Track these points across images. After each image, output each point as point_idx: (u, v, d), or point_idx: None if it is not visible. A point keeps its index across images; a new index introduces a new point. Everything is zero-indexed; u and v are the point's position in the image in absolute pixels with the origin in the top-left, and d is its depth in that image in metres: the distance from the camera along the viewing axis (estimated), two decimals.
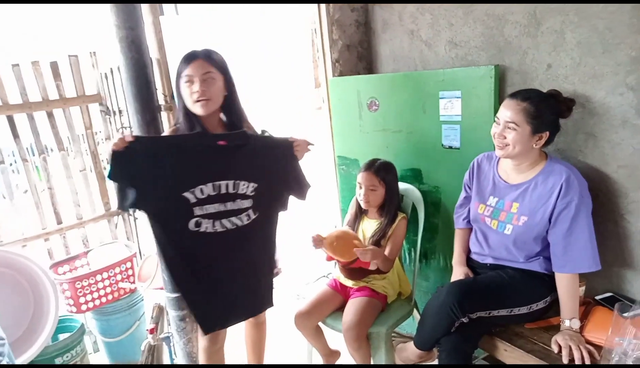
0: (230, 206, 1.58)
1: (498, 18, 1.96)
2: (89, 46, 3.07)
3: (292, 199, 1.73)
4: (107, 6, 1.88)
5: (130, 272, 2.53)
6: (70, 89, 2.74)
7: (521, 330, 1.68)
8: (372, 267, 1.93)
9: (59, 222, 2.79)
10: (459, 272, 1.84)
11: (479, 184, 1.83)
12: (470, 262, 1.89)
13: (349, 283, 2.08)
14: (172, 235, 1.54)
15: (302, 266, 3.47)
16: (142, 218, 2.59)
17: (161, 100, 2.02)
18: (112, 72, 2.74)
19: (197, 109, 1.64)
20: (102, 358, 2.62)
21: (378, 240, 2.03)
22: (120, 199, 1.51)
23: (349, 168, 2.61)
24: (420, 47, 2.33)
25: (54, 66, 2.67)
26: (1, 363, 1.56)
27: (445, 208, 2.20)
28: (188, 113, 1.67)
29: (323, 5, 2.53)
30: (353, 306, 1.96)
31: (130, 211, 2.80)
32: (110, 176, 1.45)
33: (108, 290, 2.45)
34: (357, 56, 2.66)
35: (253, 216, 1.62)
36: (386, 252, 1.99)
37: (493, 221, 1.75)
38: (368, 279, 2.05)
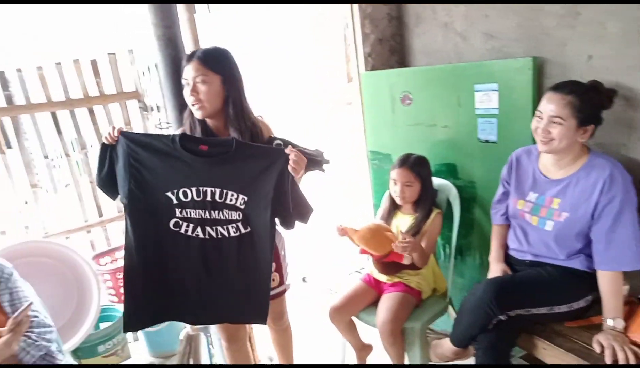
0: (215, 214, 1.53)
1: (535, 9, 1.90)
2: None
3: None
4: (144, 6, 1.93)
5: None
6: (110, 86, 2.83)
7: (560, 329, 1.64)
8: (405, 261, 1.92)
9: (101, 215, 2.89)
10: (496, 269, 1.81)
11: (518, 180, 1.79)
12: (508, 259, 1.85)
13: (382, 278, 2.08)
14: (150, 227, 1.55)
15: (334, 261, 3.49)
16: None
17: None
18: (149, 69, 2.81)
19: (195, 113, 1.60)
20: (142, 347, 2.71)
21: (413, 236, 2.02)
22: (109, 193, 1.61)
23: (381, 162, 2.59)
24: (455, 39, 2.29)
25: (94, 64, 2.76)
26: (50, 348, 1.64)
27: (481, 203, 2.17)
28: (192, 114, 1.63)
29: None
30: (388, 301, 1.96)
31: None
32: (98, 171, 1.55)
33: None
34: (390, 49, 2.64)
35: (243, 230, 1.56)
36: None
37: (533, 217, 1.71)
38: (402, 275, 2.04)
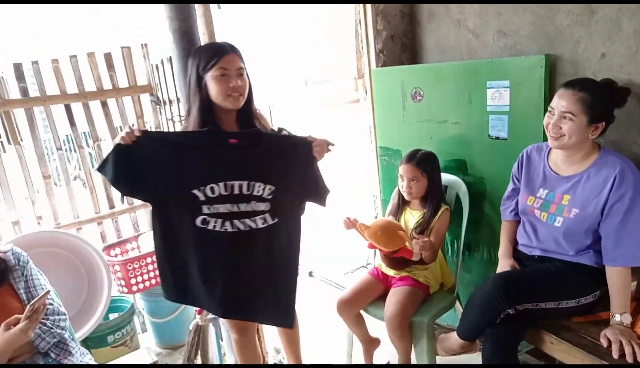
0: (244, 207, 1.52)
1: (549, 7, 1.91)
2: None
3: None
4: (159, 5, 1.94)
5: None
6: (123, 79, 2.86)
7: (568, 324, 1.65)
8: (414, 258, 1.94)
9: (112, 207, 2.92)
10: (505, 264, 1.82)
11: (528, 176, 1.80)
12: (516, 254, 1.86)
13: (390, 272, 2.10)
14: (177, 226, 1.54)
15: (341, 256, 3.51)
16: None
17: None
18: (162, 63, 2.83)
19: (229, 103, 1.56)
20: (150, 337, 2.74)
21: (421, 232, 2.03)
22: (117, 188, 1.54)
23: (391, 158, 2.61)
24: (467, 37, 2.30)
25: (108, 57, 2.79)
26: (63, 336, 1.67)
27: (490, 199, 2.18)
28: (205, 108, 1.58)
29: None
30: (396, 295, 1.98)
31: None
32: (102, 169, 1.45)
33: (158, 272, 2.56)
34: (402, 46, 2.66)
35: (271, 221, 1.56)
36: None
37: (543, 213, 1.72)
38: (410, 269, 2.05)
